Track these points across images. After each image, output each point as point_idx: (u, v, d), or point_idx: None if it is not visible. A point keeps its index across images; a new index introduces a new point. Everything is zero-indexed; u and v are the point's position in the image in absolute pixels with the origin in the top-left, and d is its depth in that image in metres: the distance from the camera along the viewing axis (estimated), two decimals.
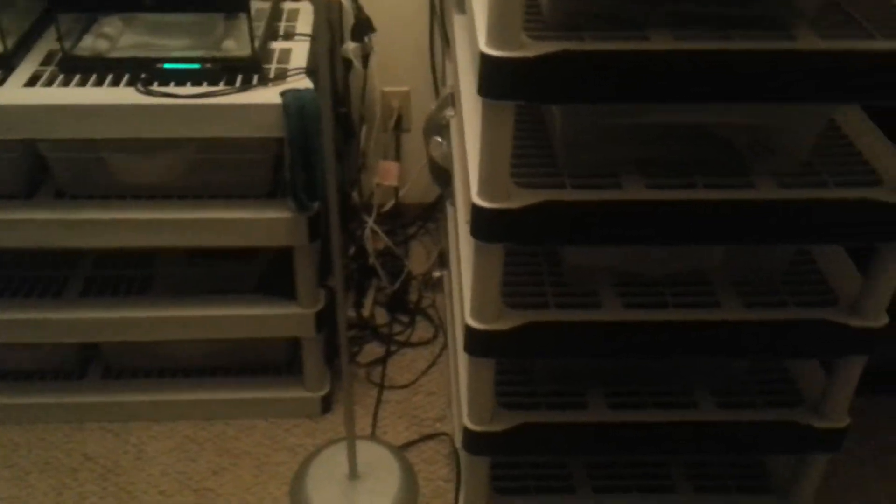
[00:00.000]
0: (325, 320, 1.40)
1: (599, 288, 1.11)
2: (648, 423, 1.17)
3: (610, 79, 0.87)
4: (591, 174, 1.00)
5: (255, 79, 1.21)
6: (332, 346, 1.48)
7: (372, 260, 1.75)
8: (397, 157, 1.88)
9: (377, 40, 1.67)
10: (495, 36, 0.86)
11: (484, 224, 0.98)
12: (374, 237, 1.79)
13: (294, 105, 1.15)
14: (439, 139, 1.57)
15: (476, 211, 0.97)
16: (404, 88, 1.81)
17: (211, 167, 1.25)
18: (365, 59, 1.62)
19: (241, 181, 1.27)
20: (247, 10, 1.19)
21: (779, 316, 1.07)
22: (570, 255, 1.13)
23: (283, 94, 1.16)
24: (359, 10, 1.55)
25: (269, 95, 1.17)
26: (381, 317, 1.70)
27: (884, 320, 1.05)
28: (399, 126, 1.85)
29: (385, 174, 1.86)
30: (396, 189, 1.87)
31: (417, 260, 1.84)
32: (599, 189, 0.98)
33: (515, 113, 0.91)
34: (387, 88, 1.79)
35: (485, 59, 0.86)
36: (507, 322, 1.05)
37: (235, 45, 1.24)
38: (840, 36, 0.89)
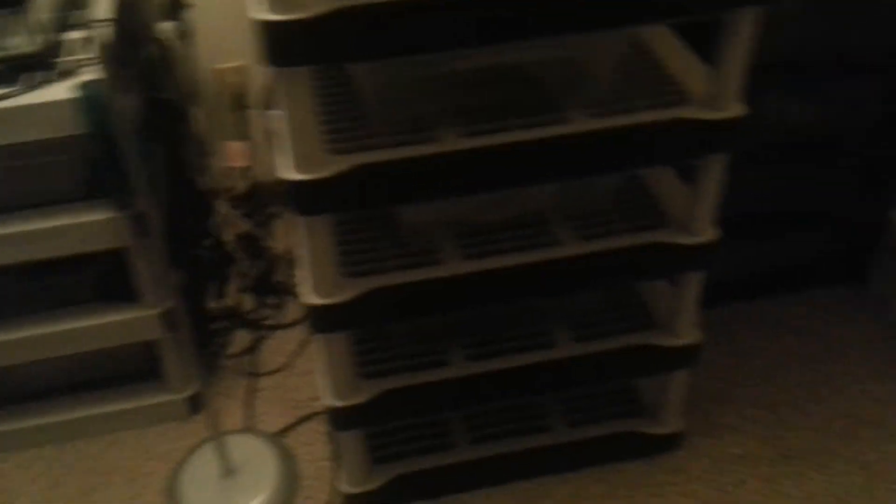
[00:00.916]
0: (178, 318, 1.33)
1: (439, 242, 1.09)
2: (509, 370, 1.17)
3: (393, 32, 0.84)
4: (406, 130, 0.97)
5: (46, 75, 1.12)
6: (195, 343, 1.42)
7: (230, 246, 1.69)
8: (245, 137, 1.80)
9: (201, 16, 1.58)
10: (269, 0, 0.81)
11: (301, 197, 0.94)
12: (232, 222, 1.72)
13: (88, 99, 1.07)
14: (275, 112, 1.51)
15: (290, 184, 0.93)
16: (239, 63, 1.73)
17: (14, 175, 1.16)
18: (185, 37, 1.53)
19: (54, 186, 1.19)
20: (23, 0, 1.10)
21: (614, 245, 1.07)
22: (405, 214, 1.10)
23: (75, 88, 1.08)
24: None
25: (60, 92, 1.08)
26: (251, 303, 1.64)
27: (713, 235, 1.08)
28: (241, 104, 1.77)
29: (233, 156, 1.79)
30: (248, 169, 1.80)
31: (281, 239, 1.78)
32: (414, 145, 0.95)
33: (317, 77, 0.87)
34: (219, 66, 1.71)
35: (260, 26, 0.82)
36: (348, 293, 1.02)
37: (21, 41, 1.14)
38: None
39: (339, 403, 1.12)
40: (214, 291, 1.64)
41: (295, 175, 0.92)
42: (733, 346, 1.47)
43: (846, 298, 1.56)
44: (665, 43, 1.09)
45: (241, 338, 1.57)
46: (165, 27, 1.48)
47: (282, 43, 0.83)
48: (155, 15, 1.50)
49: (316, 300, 1.02)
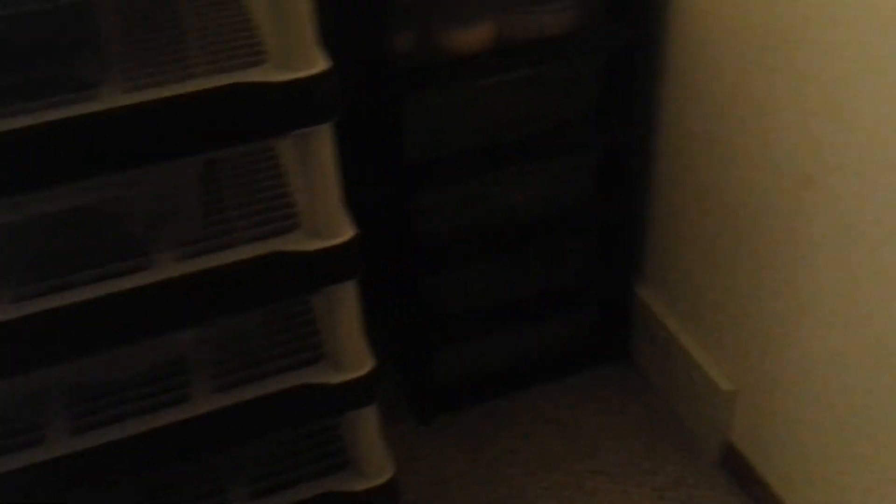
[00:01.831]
0: None
1: (51, 413, 0.92)
2: None
3: None
4: None
5: None
6: None
7: None
8: None
9: None
10: None
11: None
12: None
13: None
14: None
15: None
16: None
17: None
18: None
19: None
20: None
21: (255, 392, 0.92)
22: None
23: None
24: None
25: None
26: None
27: (365, 368, 0.94)
28: None
29: None
30: None
31: None
32: None
33: None
34: None
35: None
36: None
37: None
38: (147, 84, 0.75)
39: None
40: None
41: None
42: (485, 453, 1.32)
43: (613, 380, 1.45)
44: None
45: None
46: None
47: None
48: None
49: None
